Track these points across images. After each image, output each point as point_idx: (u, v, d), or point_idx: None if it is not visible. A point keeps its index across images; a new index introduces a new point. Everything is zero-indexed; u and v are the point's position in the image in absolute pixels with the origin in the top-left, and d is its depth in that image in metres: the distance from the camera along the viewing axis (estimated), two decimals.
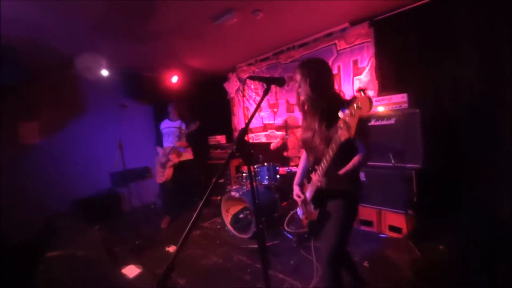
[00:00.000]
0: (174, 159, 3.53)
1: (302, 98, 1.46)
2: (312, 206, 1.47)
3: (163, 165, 3.55)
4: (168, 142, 3.62)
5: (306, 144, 1.53)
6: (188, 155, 3.71)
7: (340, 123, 1.09)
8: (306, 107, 1.51)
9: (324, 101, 1.38)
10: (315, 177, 1.37)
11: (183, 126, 3.57)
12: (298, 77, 1.43)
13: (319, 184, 1.35)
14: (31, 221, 3.31)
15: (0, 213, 3.08)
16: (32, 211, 3.39)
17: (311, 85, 1.38)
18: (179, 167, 3.58)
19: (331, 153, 1.20)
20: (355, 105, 1.00)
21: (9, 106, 3.38)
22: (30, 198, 3.42)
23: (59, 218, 3.37)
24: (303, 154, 1.72)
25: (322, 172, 1.31)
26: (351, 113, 1.03)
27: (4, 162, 3.30)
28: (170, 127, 3.66)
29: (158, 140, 3.78)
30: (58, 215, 3.47)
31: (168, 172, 3.51)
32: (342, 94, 1.55)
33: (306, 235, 1.55)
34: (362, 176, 2.80)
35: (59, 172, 3.75)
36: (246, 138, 0.95)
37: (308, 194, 1.49)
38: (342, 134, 1.09)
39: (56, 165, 3.75)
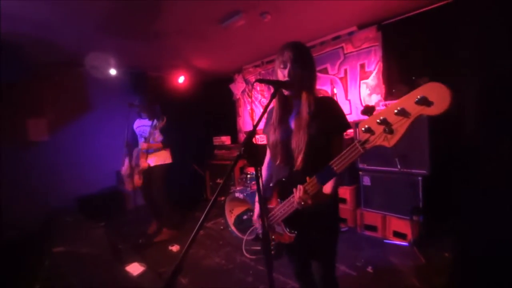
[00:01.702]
0: (143, 164, 3.05)
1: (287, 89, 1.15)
2: (287, 229, 1.19)
3: (132, 170, 3.08)
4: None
5: (276, 147, 1.23)
6: (164, 158, 3.20)
7: (371, 125, 0.78)
8: (283, 99, 1.22)
9: (311, 98, 1.15)
10: (299, 194, 1.04)
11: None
12: (288, 56, 1.14)
13: (300, 206, 1.06)
14: (36, 217, 3.35)
15: (1, 208, 3.13)
16: (37, 207, 3.44)
17: (304, 73, 1.14)
18: (149, 173, 3.11)
19: (337, 169, 0.93)
20: (419, 97, 0.66)
21: (16, 103, 3.45)
22: (36, 194, 3.47)
23: (64, 214, 3.41)
24: (267, 159, 1.45)
25: (311, 194, 1.02)
26: (404, 110, 0.70)
27: (11, 157, 3.37)
28: (143, 126, 3.18)
29: (134, 141, 3.23)
30: (63, 211, 3.52)
31: (137, 179, 3.05)
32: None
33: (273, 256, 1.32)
34: (367, 180, 2.78)
35: (65, 169, 3.81)
36: (253, 140, 0.95)
37: (279, 213, 1.20)
38: (372, 141, 0.79)
39: (62, 162, 3.80)
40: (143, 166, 3.06)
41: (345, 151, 0.90)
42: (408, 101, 0.70)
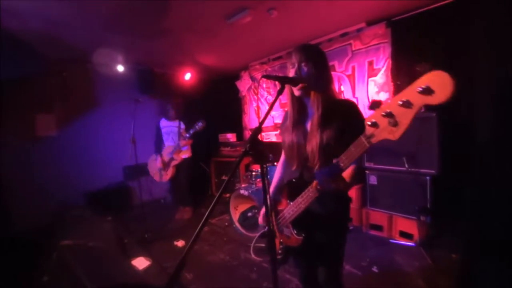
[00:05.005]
0: (178, 158, 3.60)
1: (298, 89, 1.14)
2: (294, 231, 1.17)
3: (167, 164, 3.61)
4: (169, 141, 3.73)
5: (292, 150, 1.23)
6: (187, 153, 3.76)
7: (376, 119, 0.77)
8: (296, 101, 1.21)
9: (324, 99, 1.13)
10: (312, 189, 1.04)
11: (182, 126, 3.68)
12: (297, 56, 1.14)
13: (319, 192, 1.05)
14: (44, 211, 3.42)
15: (11, 202, 3.19)
16: (45, 202, 3.50)
17: (317, 74, 1.13)
18: (179, 165, 3.65)
19: (343, 166, 0.92)
20: (422, 87, 0.65)
21: (24, 98, 3.50)
22: (44, 189, 3.53)
23: (72, 209, 3.48)
24: (281, 161, 1.46)
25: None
26: (407, 102, 0.68)
27: (20, 152, 3.43)
28: (170, 126, 3.76)
29: (158, 138, 3.82)
30: (71, 206, 3.58)
31: (172, 171, 3.60)
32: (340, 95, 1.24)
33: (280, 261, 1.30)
34: (374, 179, 2.75)
35: (73, 164, 3.86)
36: (259, 137, 0.94)
37: (288, 214, 1.19)
38: (377, 135, 0.78)
39: (70, 157, 3.86)
40: (179, 160, 3.60)
41: (351, 146, 0.89)
42: (412, 91, 0.68)
